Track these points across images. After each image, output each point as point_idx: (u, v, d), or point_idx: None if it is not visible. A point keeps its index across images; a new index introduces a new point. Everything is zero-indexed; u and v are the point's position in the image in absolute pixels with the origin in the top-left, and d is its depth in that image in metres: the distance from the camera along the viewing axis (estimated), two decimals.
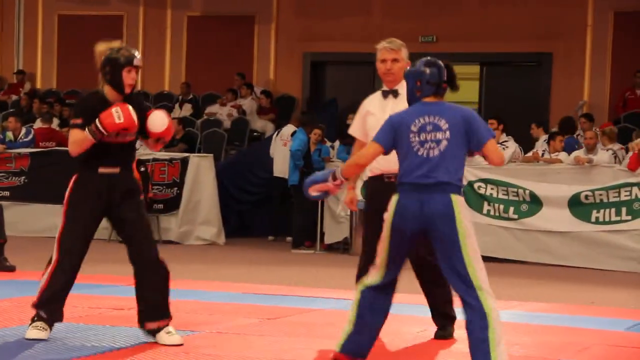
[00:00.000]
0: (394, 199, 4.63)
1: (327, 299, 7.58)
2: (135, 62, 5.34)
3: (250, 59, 16.89)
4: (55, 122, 15.70)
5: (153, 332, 5.44)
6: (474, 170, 11.56)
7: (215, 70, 17.06)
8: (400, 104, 5.78)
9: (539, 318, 7.11)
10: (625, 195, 11.23)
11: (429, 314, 6.04)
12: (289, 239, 13.22)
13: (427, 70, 4.71)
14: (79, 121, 5.31)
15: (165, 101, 17.10)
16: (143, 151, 13.75)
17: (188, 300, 7.32)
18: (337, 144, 13.71)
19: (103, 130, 5.22)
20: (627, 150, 12.18)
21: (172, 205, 13.36)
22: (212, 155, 13.50)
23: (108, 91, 5.39)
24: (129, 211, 5.41)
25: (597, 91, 15.25)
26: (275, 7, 16.82)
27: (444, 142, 4.58)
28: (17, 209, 13.51)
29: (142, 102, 5.60)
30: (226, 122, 16.06)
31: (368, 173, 5.94)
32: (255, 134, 16.08)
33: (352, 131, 6.10)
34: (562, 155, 11.99)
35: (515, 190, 11.54)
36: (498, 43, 15.39)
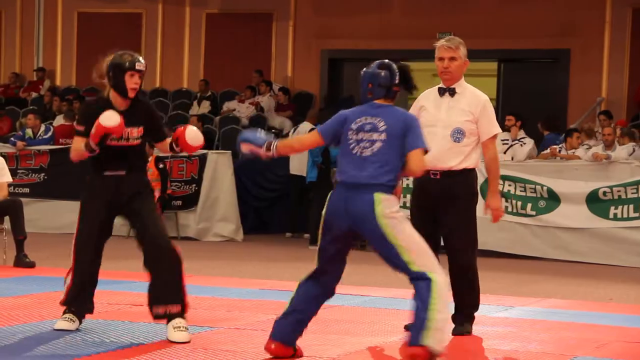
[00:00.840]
0: (329, 195, 4.83)
1: (344, 295, 7.60)
2: (138, 66, 5.44)
3: (268, 56, 16.93)
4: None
5: (161, 318, 5.42)
6: None
7: (234, 67, 17.11)
8: (456, 103, 5.82)
9: (557, 315, 7.11)
10: None
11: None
12: (306, 235, 13.24)
13: (380, 73, 4.90)
14: (81, 128, 5.48)
15: (183, 98, 17.16)
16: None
17: (206, 296, 7.36)
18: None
19: (93, 146, 5.37)
20: None
21: (190, 202, 13.42)
22: (230, 152, 13.54)
23: (113, 96, 5.51)
24: (137, 206, 5.51)
25: (614, 88, 15.20)
26: (293, 4, 16.85)
27: (378, 144, 4.72)
28: (37, 206, 13.62)
29: (150, 107, 5.67)
30: (244, 119, 16.10)
31: None
32: (273, 130, 16.09)
33: None
34: (580, 151, 11.97)
35: (533, 186, 11.53)
36: (516, 40, 15.36)
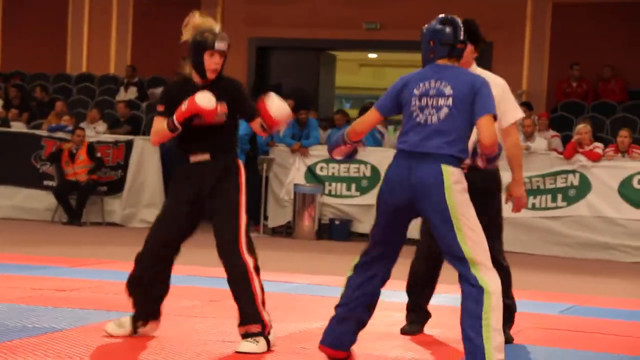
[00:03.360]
0: (389, 166, 4.33)
1: (269, 282, 7.64)
2: (218, 45, 4.98)
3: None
4: None
5: (244, 338, 4.99)
6: None
7: (161, 53, 16.99)
8: None
9: None
10: (562, 182, 11.49)
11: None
12: None
13: (443, 29, 4.36)
14: (161, 108, 5.07)
15: (110, 84, 17.01)
16: (89, 133, 13.72)
17: None
18: (282, 128, 13.75)
19: (176, 124, 4.95)
20: (564, 139, 12.46)
21: (116, 187, 13.35)
22: None
23: (194, 76, 5.10)
24: (215, 201, 5.04)
25: (535, 80, 15.51)
26: None
27: (445, 110, 4.25)
28: None
29: (236, 84, 5.15)
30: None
31: None
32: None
33: None
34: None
35: None
36: None
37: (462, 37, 4.37)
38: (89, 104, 16.01)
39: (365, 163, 12.60)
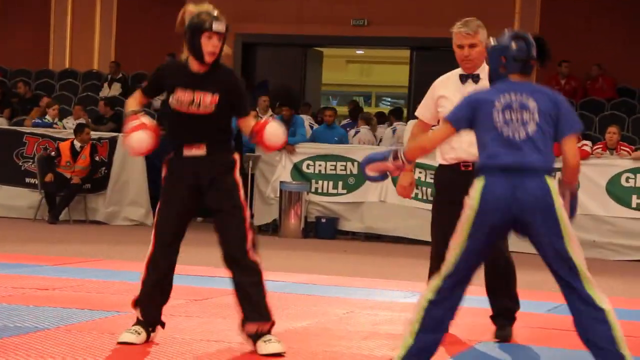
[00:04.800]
0: (479, 184, 4.11)
1: None
2: (216, 27, 4.80)
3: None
4: None
5: (252, 337, 4.90)
6: None
7: (145, 49, 16.90)
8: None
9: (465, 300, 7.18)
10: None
11: (355, 296, 6.05)
12: None
13: (514, 45, 4.28)
14: (144, 84, 5.02)
15: (93, 80, 16.90)
16: (69, 130, 13.60)
17: (115, 281, 7.27)
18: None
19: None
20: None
21: (99, 185, 13.24)
22: None
23: (191, 61, 4.90)
24: (216, 200, 4.89)
25: None
26: None
27: (532, 124, 4.10)
28: None
29: (232, 75, 4.99)
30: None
31: (440, 161, 5.53)
32: None
33: (419, 113, 5.69)
34: None
35: None
36: (429, 28, 15.49)
37: (534, 53, 4.30)
38: (72, 100, 15.88)
39: (352, 161, 12.53)
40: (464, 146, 5.22)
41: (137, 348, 4.87)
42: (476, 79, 5.50)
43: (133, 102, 5.03)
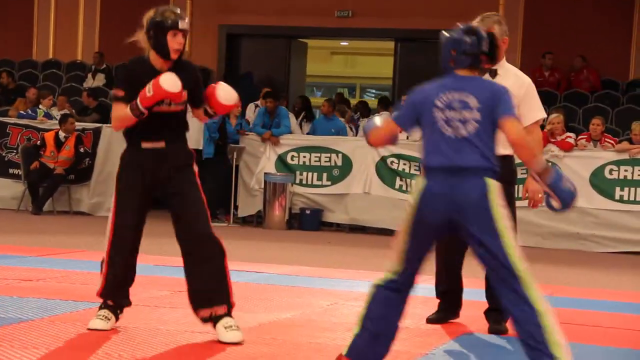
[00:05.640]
0: (420, 184, 4.12)
1: (240, 272, 7.58)
2: (181, 24, 4.89)
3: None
4: None
5: (207, 321, 4.91)
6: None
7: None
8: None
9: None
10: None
11: (340, 287, 6.06)
12: None
13: (466, 39, 4.25)
14: (120, 94, 4.92)
15: (77, 71, 16.82)
16: (53, 121, 13.55)
17: (99, 272, 7.24)
18: (252, 117, 13.69)
19: (142, 109, 4.82)
20: None
21: (83, 176, 13.20)
22: None
23: (154, 58, 4.96)
24: (177, 185, 4.95)
25: None
26: None
27: (473, 123, 4.10)
28: None
29: (195, 70, 5.09)
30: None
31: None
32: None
33: None
34: None
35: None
36: (413, 19, 15.49)
37: (485, 48, 4.26)
38: (55, 90, 15.81)
39: (336, 152, 12.53)
40: None
41: (120, 339, 4.86)
42: (493, 73, 5.48)
43: (122, 112, 4.94)
